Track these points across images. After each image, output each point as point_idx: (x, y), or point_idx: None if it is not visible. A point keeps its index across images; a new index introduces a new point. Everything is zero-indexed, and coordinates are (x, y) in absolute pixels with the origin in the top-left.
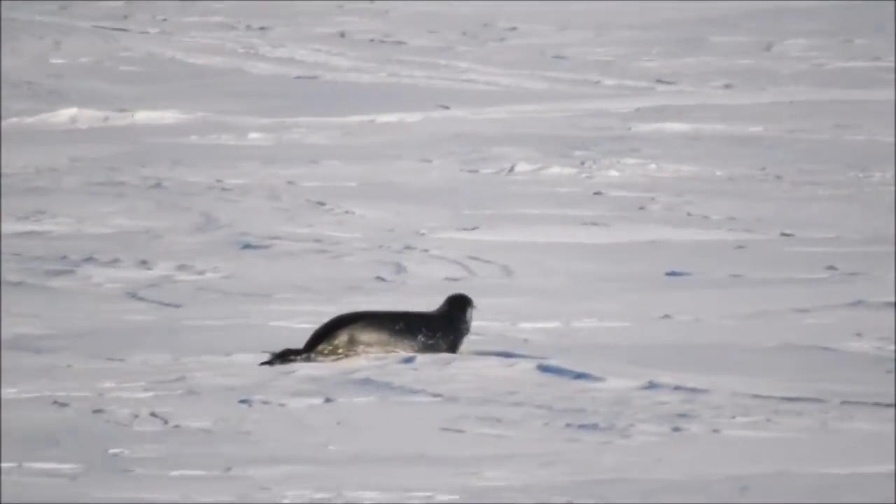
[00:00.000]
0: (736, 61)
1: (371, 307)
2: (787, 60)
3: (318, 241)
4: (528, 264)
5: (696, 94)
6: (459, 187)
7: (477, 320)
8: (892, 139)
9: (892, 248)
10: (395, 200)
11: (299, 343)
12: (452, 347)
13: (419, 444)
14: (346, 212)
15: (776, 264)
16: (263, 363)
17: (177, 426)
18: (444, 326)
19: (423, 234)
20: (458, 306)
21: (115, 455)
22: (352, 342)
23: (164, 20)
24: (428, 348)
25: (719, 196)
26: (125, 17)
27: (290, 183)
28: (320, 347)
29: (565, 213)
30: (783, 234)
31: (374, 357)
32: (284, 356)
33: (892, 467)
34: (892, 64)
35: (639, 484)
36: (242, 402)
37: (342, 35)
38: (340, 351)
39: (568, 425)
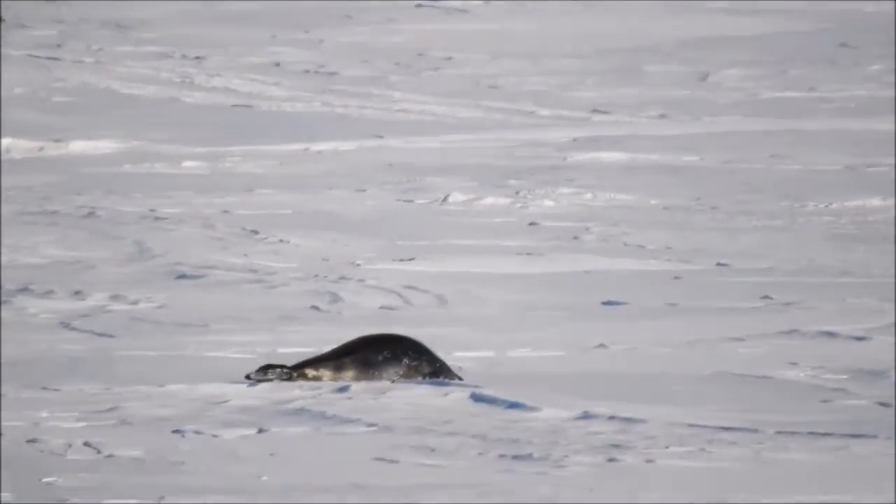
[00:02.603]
0: (671, 91)
1: (308, 337)
2: (722, 91)
3: (252, 270)
4: (463, 294)
5: (631, 124)
6: (394, 217)
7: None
8: (827, 168)
9: (826, 278)
10: (330, 230)
11: (233, 372)
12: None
13: (353, 475)
14: (281, 241)
15: (711, 294)
16: (249, 377)
17: (110, 456)
18: (426, 349)
19: (358, 265)
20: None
21: (48, 484)
22: (338, 372)
23: (99, 49)
24: (412, 370)
25: (655, 226)
26: (59, 45)
27: (224, 212)
28: (307, 370)
29: (500, 243)
30: (718, 264)
31: (308, 386)
32: (265, 370)
33: (827, 498)
34: (827, 94)
35: None
36: (175, 432)
37: (277, 65)
38: (324, 379)
39: (502, 456)
